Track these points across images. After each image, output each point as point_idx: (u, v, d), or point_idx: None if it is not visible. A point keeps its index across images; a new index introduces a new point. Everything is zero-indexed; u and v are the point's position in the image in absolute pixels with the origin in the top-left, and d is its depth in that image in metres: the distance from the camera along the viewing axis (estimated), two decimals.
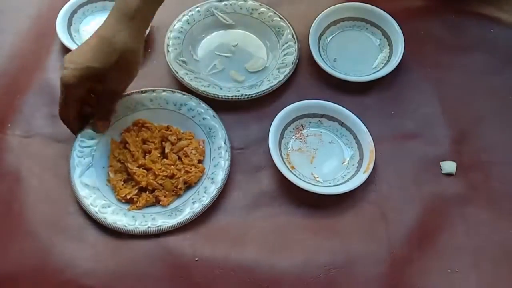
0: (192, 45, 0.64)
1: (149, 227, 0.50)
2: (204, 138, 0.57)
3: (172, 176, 0.54)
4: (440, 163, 0.56)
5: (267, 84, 0.60)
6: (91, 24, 0.66)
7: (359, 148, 0.57)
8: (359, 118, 0.58)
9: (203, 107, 0.58)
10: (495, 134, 0.60)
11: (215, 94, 0.58)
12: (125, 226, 0.50)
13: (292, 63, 0.62)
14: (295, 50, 0.63)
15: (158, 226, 0.51)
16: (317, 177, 0.55)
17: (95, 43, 0.50)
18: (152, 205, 0.53)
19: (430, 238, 0.52)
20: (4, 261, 0.50)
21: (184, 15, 0.65)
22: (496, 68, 0.65)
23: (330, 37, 0.66)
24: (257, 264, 0.50)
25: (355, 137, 0.57)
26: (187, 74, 0.60)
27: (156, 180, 0.54)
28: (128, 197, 0.53)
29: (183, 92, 0.58)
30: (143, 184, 0.53)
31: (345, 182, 0.54)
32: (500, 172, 0.56)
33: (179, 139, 0.56)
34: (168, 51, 0.62)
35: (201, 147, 0.56)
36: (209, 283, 0.48)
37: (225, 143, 0.55)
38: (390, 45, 0.64)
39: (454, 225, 0.53)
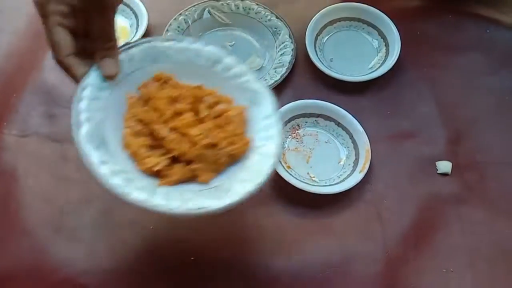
0: None
1: (188, 209, 0.38)
2: (246, 104, 0.45)
3: (214, 146, 0.42)
4: (436, 163, 0.57)
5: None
6: None
7: (355, 148, 0.57)
8: (355, 118, 0.58)
9: (244, 66, 0.47)
10: (491, 134, 0.60)
11: None
12: (156, 206, 0.38)
13: (289, 62, 0.62)
14: (292, 50, 0.63)
15: (200, 208, 0.39)
16: (313, 177, 0.55)
17: None
18: (186, 181, 0.42)
19: (425, 238, 0.52)
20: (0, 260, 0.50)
21: (180, 15, 0.65)
22: (492, 68, 0.65)
23: (327, 37, 0.66)
24: (254, 264, 0.50)
25: (351, 137, 0.58)
26: None
27: (194, 149, 0.42)
28: (156, 168, 0.41)
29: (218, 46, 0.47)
30: (176, 153, 0.41)
31: (341, 181, 0.54)
32: (495, 172, 0.56)
33: (216, 103, 0.45)
34: None
35: (244, 114, 0.45)
36: (205, 282, 0.48)
37: (274, 111, 0.45)
38: (387, 45, 0.64)
39: (449, 225, 0.53)
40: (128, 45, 0.45)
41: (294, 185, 0.52)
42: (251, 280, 0.49)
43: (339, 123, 0.58)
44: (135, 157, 0.41)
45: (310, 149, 0.58)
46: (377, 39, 0.66)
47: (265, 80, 0.60)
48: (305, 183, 0.53)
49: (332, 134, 0.59)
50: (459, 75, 0.64)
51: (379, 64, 0.63)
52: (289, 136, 0.58)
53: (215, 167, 0.42)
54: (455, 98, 0.62)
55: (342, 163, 0.57)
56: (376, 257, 0.50)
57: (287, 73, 0.61)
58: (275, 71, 0.61)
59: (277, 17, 0.66)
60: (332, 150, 0.58)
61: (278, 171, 0.52)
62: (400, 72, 0.63)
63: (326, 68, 0.62)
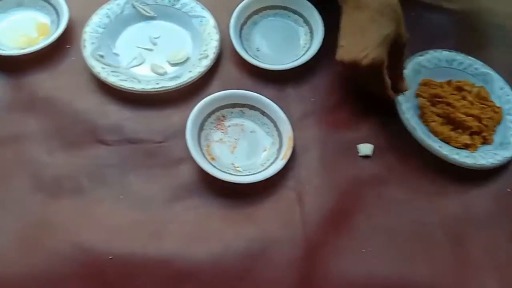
0: (111, 39, 0.63)
1: (498, 160, 0.57)
2: (482, 85, 0.63)
3: (490, 117, 0.59)
4: (357, 146, 0.58)
5: (188, 75, 0.60)
6: (5, 22, 0.64)
7: (279, 136, 0.57)
8: (280, 106, 0.58)
9: (470, 59, 0.64)
10: None
11: (132, 87, 0.58)
12: (474, 163, 0.56)
13: (214, 53, 0.62)
14: (217, 40, 0.63)
15: (505, 157, 0.57)
16: (238, 167, 0.56)
17: (368, 15, 0.52)
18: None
19: (345, 220, 0.53)
20: None
21: (102, 8, 0.64)
22: (418, 49, 0.66)
23: (253, 26, 0.66)
24: (174, 257, 0.50)
25: (276, 125, 0.58)
26: (103, 68, 0.59)
27: (481, 123, 0.59)
28: (468, 142, 0.58)
29: (450, 50, 0.65)
30: (474, 128, 0.58)
31: (264, 170, 0.55)
32: (416, 152, 0.58)
33: (471, 87, 0.62)
34: (84, 46, 0.60)
35: (487, 91, 0.63)
36: (124, 281, 0.48)
37: (504, 84, 0.63)
38: (311, 32, 0.65)
39: (369, 206, 0.54)
40: None
41: (216, 176, 0.52)
42: (171, 272, 0.49)
43: (264, 112, 0.59)
44: (448, 139, 0.58)
45: (236, 139, 0.58)
46: (302, 27, 0.66)
47: (190, 71, 0.60)
48: (228, 173, 0.54)
49: (258, 124, 0.59)
50: None
51: (304, 52, 0.64)
52: (214, 128, 0.58)
53: (493, 131, 0.60)
54: None
55: (266, 151, 0.57)
56: (296, 242, 0.51)
57: (212, 64, 0.61)
58: (200, 62, 0.61)
59: (202, 8, 0.65)
60: (258, 139, 0.58)
61: (198, 163, 0.52)
62: (325, 59, 0.64)
63: (251, 58, 0.62)
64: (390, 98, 0.58)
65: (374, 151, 0.58)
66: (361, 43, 0.52)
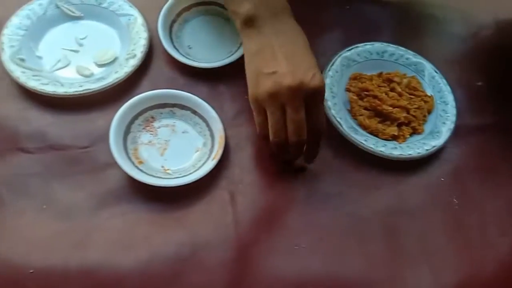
0: (34, 41, 0.60)
1: (426, 149, 0.57)
2: (414, 75, 0.63)
3: (418, 108, 0.59)
4: None
5: (114, 76, 0.57)
6: None
7: (211, 136, 0.56)
8: (211, 105, 0.57)
9: (401, 49, 0.64)
10: None
11: (54, 91, 0.55)
12: (401, 154, 0.56)
13: (142, 52, 0.59)
14: (145, 39, 0.61)
15: (433, 147, 0.57)
16: (167, 170, 0.54)
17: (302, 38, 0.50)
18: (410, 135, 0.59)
19: (278, 218, 0.53)
20: None
21: (23, 9, 0.61)
22: (354, 41, 0.66)
23: (184, 24, 0.64)
24: (100, 266, 0.48)
25: (208, 125, 0.57)
26: (23, 72, 0.56)
27: (409, 114, 0.59)
28: (395, 133, 0.58)
29: (381, 42, 0.64)
30: (402, 119, 0.58)
31: (195, 171, 0.53)
32: (350, 147, 0.58)
33: (401, 78, 0.62)
34: (3, 49, 0.57)
35: (418, 80, 0.63)
36: None
37: (436, 72, 0.63)
38: None
39: (302, 202, 0.54)
40: None
41: (142, 181, 0.50)
42: (96, 282, 0.47)
43: (195, 111, 0.57)
44: (376, 131, 0.58)
45: (166, 141, 0.56)
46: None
47: (116, 72, 0.58)
48: (157, 177, 0.52)
49: (189, 124, 0.57)
50: (323, 51, 0.65)
51: (237, 48, 0.62)
52: (143, 130, 0.56)
53: (423, 120, 0.60)
54: None
55: (199, 152, 0.56)
56: (228, 244, 0.50)
57: (139, 64, 0.59)
58: (127, 62, 0.59)
59: (130, 6, 0.63)
60: (190, 140, 0.57)
61: (123, 168, 0.51)
62: None
63: (181, 56, 0.60)
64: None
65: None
66: (304, 64, 0.48)
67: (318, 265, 0.51)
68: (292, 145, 0.49)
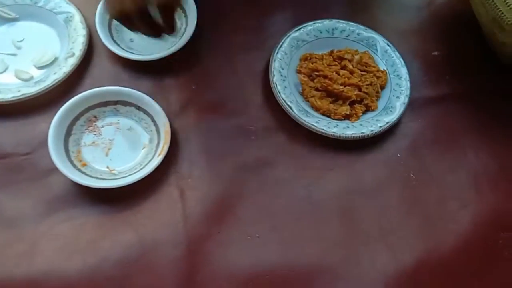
0: None
1: (380, 126, 0.55)
2: (367, 50, 0.61)
3: (370, 84, 0.58)
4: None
5: (52, 77, 0.55)
6: None
7: (157, 131, 0.54)
8: (159, 98, 0.55)
9: (352, 25, 0.62)
10: None
11: None
12: (354, 133, 0.55)
13: (80, 50, 0.57)
14: (84, 36, 0.58)
15: (386, 123, 0.56)
16: (113, 170, 0.52)
17: None
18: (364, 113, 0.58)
19: (230, 209, 0.51)
20: None
21: None
22: (303, 21, 0.63)
23: None
24: (47, 275, 0.47)
25: (153, 120, 0.55)
26: None
27: (362, 91, 0.57)
28: (347, 113, 0.56)
29: (330, 19, 0.62)
30: (353, 97, 0.56)
31: (141, 169, 0.52)
32: (304, 130, 0.56)
33: (352, 55, 0.60)
34: None
35: (370, 56, 0.61)
36: None
37: (388, 45, 0.61)
38: (186, 16, 0.61)
39: (255, 191, 0.53)
40: None
41: (85, 184, 0.49)
42: None
43: (139, 106, 0.55)
44: (328, 112, 0.56)
45: (110, 140, 0.54)
46: (176, 11, 0.62)
47: (55, 73, 0.56)
48: (101, 178, 0.50)
49: (135, 120, 0.56)
50: (270, 36, 0.63)
51: (179, 38, 0.60)
52: (85, 131, 0.54)
53: (377, 97, 0.59)
54: (264, 60, 0.61)
55: (146, 148, 0.54)
56: (178, 241, 0.49)
57: (79, 62, 0.57)
58: (66, 62, 0.57)
59: (67, 3, 0.60)
60: (135, 137, 0.55)
61: (63, 172, 0.49)
62: (202, 43, 0.61)
63: (122, 51, 0.58)
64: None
65: (260, 133, 0.56)
66: None
67: (273, 254, 0.50)
68: (133, 13, 0.49)
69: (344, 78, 0.57)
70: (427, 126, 0.59)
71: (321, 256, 0.50)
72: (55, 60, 0.59)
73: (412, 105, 0.59)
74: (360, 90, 0.57)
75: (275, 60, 0.58)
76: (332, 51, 0.60)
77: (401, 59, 0.60)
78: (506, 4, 0.51)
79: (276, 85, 0.56)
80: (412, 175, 0.55)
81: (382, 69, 0.60)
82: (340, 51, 0.60)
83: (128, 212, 0.50)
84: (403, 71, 0.59)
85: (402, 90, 0.58)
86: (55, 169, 0.51)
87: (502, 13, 0.52)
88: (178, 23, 0.61)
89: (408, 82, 0.59)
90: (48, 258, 0.48)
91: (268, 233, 0.50)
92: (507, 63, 0.62)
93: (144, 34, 0.53)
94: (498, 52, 0.61)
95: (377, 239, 0.51)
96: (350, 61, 0.59)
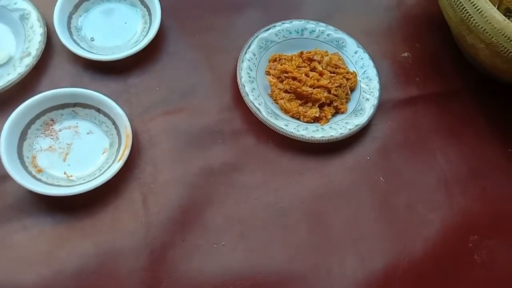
0: None
1: (349, 129, 0.54)
2: (337, 51, 0.60)
3: (340, 86, 0.56)
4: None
5: (6, 79, 0.52)
6: None
7: (118, 134, 0.52)
8: (121, 99, 0.53)
9: (322, 25, 0.61)
10: None
11: None
12: (323, 136, 0.53)
13: (37, 50, 0.54)
14: (41, 34, 0.55)
15: (356, 125, 0.54)
16: (71, 176, 0.50)
17: None
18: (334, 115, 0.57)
19: (195, 216, 0.49)
20: None
21: None
22: (273, 21, 0.62)
23: (85, 14, 0.59)
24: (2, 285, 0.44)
25: (114, 123, 0.52)
26: None
27: (331, 93, 0.56)
28: (317, 115, 0.55)
29: (299, 19, 0.60)
30: (323, 99, 0.55)
31: (100, 175, 0.49)
32: (273, 134, 0.54)
33: (322, 57, 0.59)
34: None
35: (340, 57, 0.60)
36: None
37: (358, 47, 0.60)
38: (150, 14, 0.59)
39: (222, 197, 0.51)
40: None
41: (39, 192, 0.46)
42: None
43: (99, 109, 0.53)
44: (297, 115, 0.55)
45: (68, 144, 0.51)
46: (140, 9, 0.60)
47: (8, 74, 0.53)
48: (57, 185, 0.48)
49: (95, 123, 0.53)
50: (239, 33, 0.61)
51: (143, 37, 0.58)
52: (41, 135, 0.51)
53: (346, 99, 0.58)
54: (232, 61, 0.59)
55: (106, 153, 0.52)
56: (140, 250, 0.47)
57: (35, 62, 0.54)
58: (22, 62, 0.54)
59: (23, 0, 0.58)
60: (95, 141, 0.52)
61: (17, 180, 0.46)
62: (168, 42, 0.59)
63: (82, 51, 0.55)
64: None
65: (227, 137, 0.54)
66: None
67: (240, 262, 0.48)
68: None
69: (314, 80, 0.56)
70: (397, 128, 0.58)
71: (290, 263, 0.49)
72: (9, 60, 0.55)
73: (382, 107, 0.58)
74: (329, 92, 0.56)
75: (243, 61, 0.57)
76: (301, 52, 0.59)
77: (371, 61, 0.59)
78: (473, 5, 0.51)
79: (244, 86, 0.54)
80: (382, 179, 0.54)
81: (352, 71, 0.59)
82: (309, 52, 0.58)
83: (86, 221, 0.48)
84: (373, 73, 0.59)
85: (371, 92, 0.57)
86: (7, 176, 0.48)
87: (470, 14, 0.52)
88: (142, 21, 0.59)
89: (378, 84, 0.58)
90: (1, 270, 0.45)
91: (235, 241, 0.49)
92: (476, 64, 0.62)
93: None
94: (467, 53, 0.61)
95: (347, 245, 0.50)
96: (319, 62, 0.58)
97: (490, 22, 0.50)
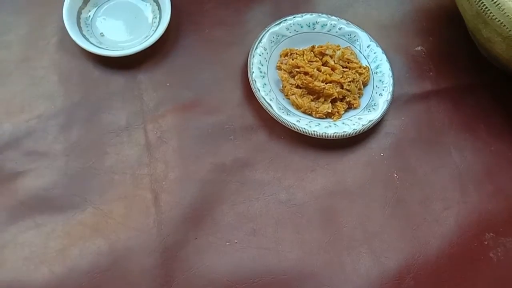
0: None
1: (363, 125, 0.53)
2: (349, 45, 0.59)
3: (352, 81, 0.55)
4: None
5: None
6: None
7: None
8: (126, 96, 0.52)
9: (334, 19, 0.59)
10: None
11: None
12: (336, 132, 0.52)
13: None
14: None
15: (369, 121, 0.53)
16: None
17: None
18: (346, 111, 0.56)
19: (207, 213, 0.49)
20: None
21: None
22: (284, 15, 0.60)
23: (94, 10, 0.58)
24: (11, 285, 0.44)
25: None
26: None
27: (344, 88, 0.55)
28: (329, 111, 0.54)
29: (311, 13, 0.59)
30: (335, 95, 0.54)
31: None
32: (285, 130, 0.54)
33: (334, 51, 0.57)
34: None
35: (352, 51, 0.58)
36: None
37: (371, 40, 0.59)
38: (160, 9, 0.58)
39: (233, 194, 0.50)
40: None
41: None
42: None
43: None
44: (309, 110, 0.54)
45: None
46: (150, 3, 0.59)
47: None
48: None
49: None
50: (247, 30, 0.60)
51: (153, 32, 0.57)
52: None
53: (359, 94, 0.57)
54: (243, 56, 0.58)
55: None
56: (151, 248, 0.46)
57: None
58: None
59: None
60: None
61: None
62: (177, 37, 0.58)
63: (92, 46, 0.54)
64: None
65: (239, 133, 0.54)
66: None
67: (253, 260, 0.47)
68: None
69: (326, 75, 0.55)
70: (410, 124, 0.57)
71: (302, 261, 0.48)
72: None
73: (395, 102, 0.57)
74: (342, 87, 0.55)
75: (254, 56, 0.56)
76: (313, 47, 0.58)
77: (384, 55, 0.58)
78: None
79: (255, 82, 0.54)
80: (395, 175, 0.54)
81: (365, 65, 0.58)
82: (321, 47, 0.57)
83: (98, 218, 0.47)
84: (386, 67, 0.58)
85: (385, 87, 0.56)
86: (22, 173, 0.48)
87: (486, 7, 0.51)
88: (151, 15, 0.58)
89: (391, 79, 0.57)
90: (12, 269, 0.44)
91: (247, 238, 0.48)
92: (491, 58, 0.61)
93: None
94: (483, 47, 0.60)
95: (361, 243, 0.50)
96: (331, 57, 0.57)
97: (508, 15, 0.49)
